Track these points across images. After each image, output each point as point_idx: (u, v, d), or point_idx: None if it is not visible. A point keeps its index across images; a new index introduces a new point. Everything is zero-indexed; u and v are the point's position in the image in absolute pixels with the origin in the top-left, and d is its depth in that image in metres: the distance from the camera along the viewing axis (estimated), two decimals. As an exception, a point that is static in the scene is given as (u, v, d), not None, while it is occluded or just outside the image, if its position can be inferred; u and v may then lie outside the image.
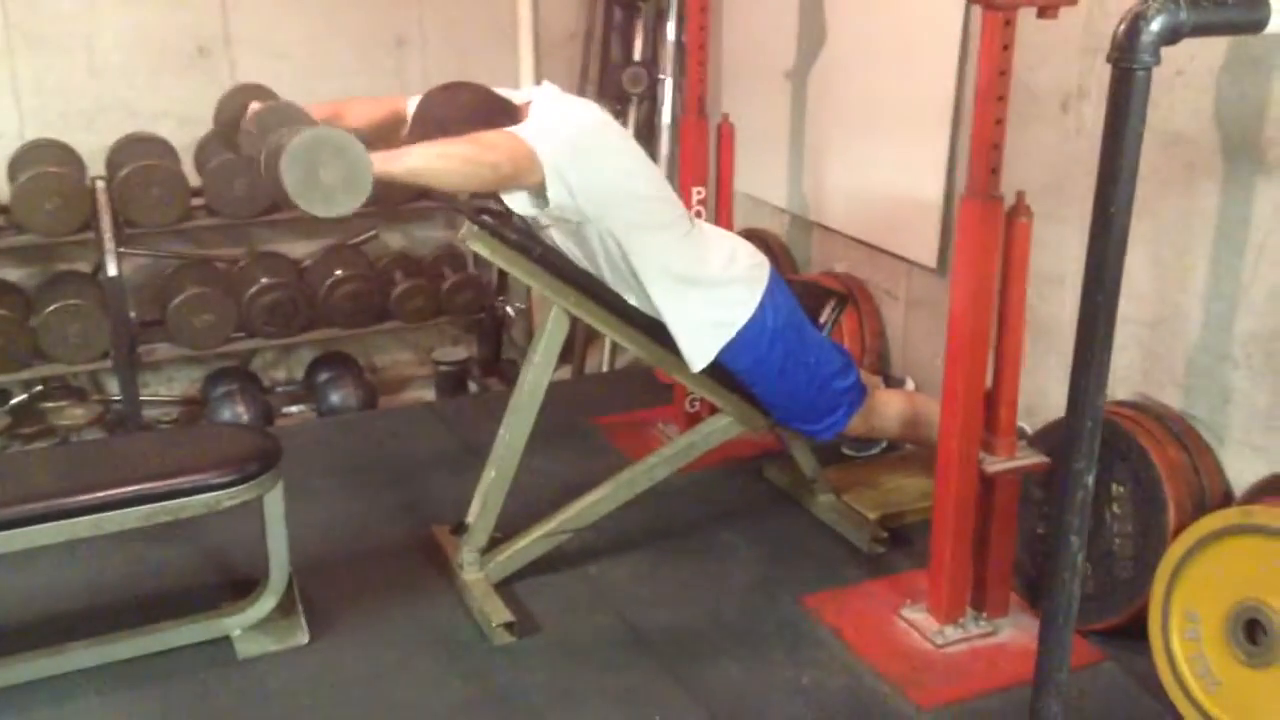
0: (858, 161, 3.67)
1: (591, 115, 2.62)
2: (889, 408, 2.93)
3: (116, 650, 2.55)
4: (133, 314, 3.86)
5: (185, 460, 2.46)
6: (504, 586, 2.80)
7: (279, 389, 4.31)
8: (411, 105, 2.66)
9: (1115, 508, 2.51)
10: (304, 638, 2.64)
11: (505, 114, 2.52)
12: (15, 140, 3.81)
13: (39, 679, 2.48)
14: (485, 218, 2.58)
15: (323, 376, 4.21)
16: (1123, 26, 1.26)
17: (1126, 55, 1.26)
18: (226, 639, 2.62)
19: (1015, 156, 2.53)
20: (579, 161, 2.43)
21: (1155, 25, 1.25)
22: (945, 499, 2.53)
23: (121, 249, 3.73)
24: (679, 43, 4.35)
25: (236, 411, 3.97)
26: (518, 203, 2.46)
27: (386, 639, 2.65)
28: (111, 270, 3.69)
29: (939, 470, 2.54)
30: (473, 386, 4.39)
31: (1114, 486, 2.51)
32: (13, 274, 3.90)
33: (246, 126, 2.50)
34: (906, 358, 3.62)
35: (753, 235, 4.22)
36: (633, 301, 2.67)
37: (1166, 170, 2.55)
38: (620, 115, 4.49)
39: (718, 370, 2.76)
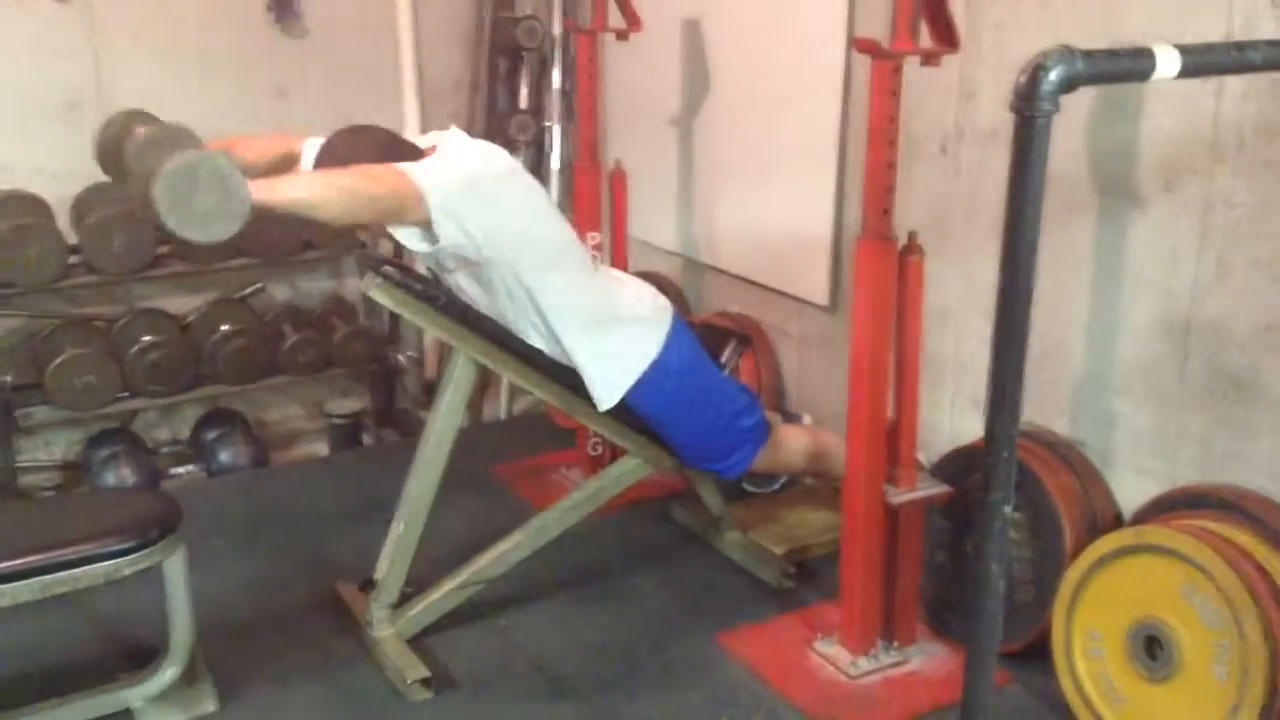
0: (747, 204, 3.75)
1: (495, 157, 2.65)
2: (793, 443, 2.99)
3: (8, 732, 2.42)
4: (7, 377, 3.69)
5: (81, 528, 2.36)
6: (415, 642, 2.76)
7: (164, 449, 4.16)
8: (306, 146, 2.64)
9: (1013, 533, 2.60)
10: (212, 705, 2.55)
11: (409, 156, 2.52)
12: (-126, 199, 3.64)
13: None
14: (388, 268, 2.56)
15: (210, 435, 4.08)
16: (1024, 77, 1.33)
17: (1028, 104, 1.33)
18: (128, 712, 2.52)
19: (900, 197, 2.63)
20: (477, 200, 2.45)
21: (1054, 75, 1.32)
22: (853, 532, 2.59)
23: (-8, 309, 3.59)
24: (564, 90, 4.40)
25: (121, 475, 3.82)
26: (410, 239, 2.45)
27: (299, 702, 2.59)
28: (-16, 332, 3.54)
29: (845, 504, 2.60)
30: (367, 438, 4.32)
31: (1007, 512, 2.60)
32: None
33: (134, 150, 2.41)
34: (803, 394, 3.70)
35: (647, 278, 4.25)
36: (538, 344, 2.68)
37: (1047, 208, 2.67)
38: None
39: (624, 412, 2.78)
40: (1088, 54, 1.34)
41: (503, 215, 2.50)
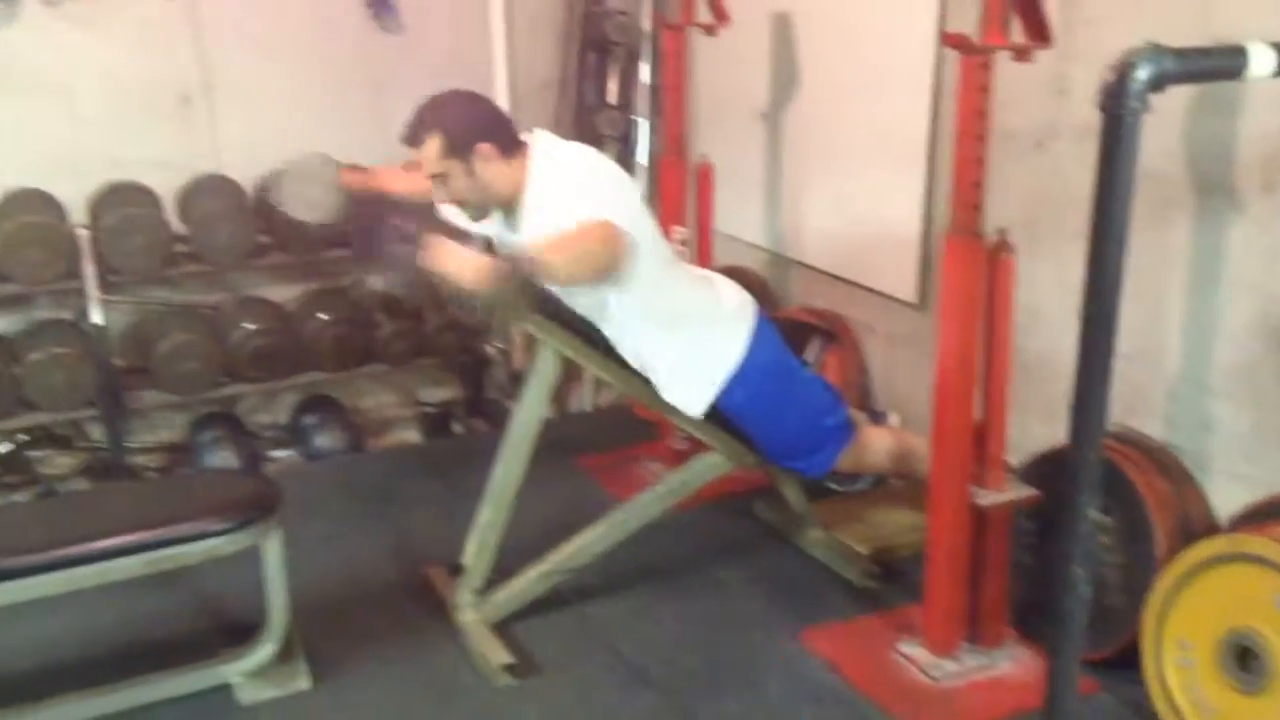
0: (835, 199, 3.73)
1: (605, 167, 2.63)
2: (878, 443, 2.97)
3: (115, 701, 2.54)
4: (117, 361, 3.85)
5: (185, 508, 2.46)
6: (501, 627, 2.81)
7: (265, 433, 4.30)
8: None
9: (1103, 538, 2.56)
10: (305, 683, 2.64)
11: (513, 145, 2.57)
12: (-3, 189, 3.81)
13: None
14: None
15: (309, 420, 4.21)
16: (1112, 75, 1.31)
17: (1116, 102, 1.31)
18: (226, 686, 2.62)
19: (990, 194, 2.60)
20: (644, 237, 2.52)
21: (1143, 74, 1.30)
22: (938, 533, 2.57)
23: (105, 296, 3.73)
24: (653, 85, 4.42)
25: (224, 457, 3.96)
26: None
27: (388, 683, 2.66)
28: (95, 318, 3.70)
29: (931, 505, 2.58)
30: (457, 427, 4.41)
31: (1101, 517, 2.56)
32: (-8, 324, 3.89)
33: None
34: (889, 392, 3.67)
35: (732, 273, 4.26)
36: (624, 348, 2.69)
37: (1141, 206, 2.62)
38: (598, 157, 4.55)
39: (711, 408, 2.79)
40: (1178, 52, 1.32)
41: (644, 251, 2.52)
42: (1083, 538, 1.46)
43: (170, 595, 3.00)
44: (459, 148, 2.49)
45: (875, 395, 3.74)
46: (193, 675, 2.61)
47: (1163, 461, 2.57)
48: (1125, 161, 1.32)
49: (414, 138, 2.52)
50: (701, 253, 3.66)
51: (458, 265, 2.26)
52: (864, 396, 3.76)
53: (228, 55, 4.11)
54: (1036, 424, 3.06)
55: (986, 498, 2.53)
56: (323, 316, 4.07)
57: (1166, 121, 2.53)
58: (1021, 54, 2.30)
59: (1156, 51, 1.31)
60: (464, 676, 2.67)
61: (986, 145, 2.35)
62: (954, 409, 2.47)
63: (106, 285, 3.75)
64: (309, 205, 2.43)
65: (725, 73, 4.19)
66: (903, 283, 3.48)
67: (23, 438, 3.92)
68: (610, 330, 2.69)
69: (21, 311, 3.95)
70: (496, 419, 4.32)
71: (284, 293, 4.28)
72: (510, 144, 2.56)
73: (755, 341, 2.76)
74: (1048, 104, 2.86)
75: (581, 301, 2.65)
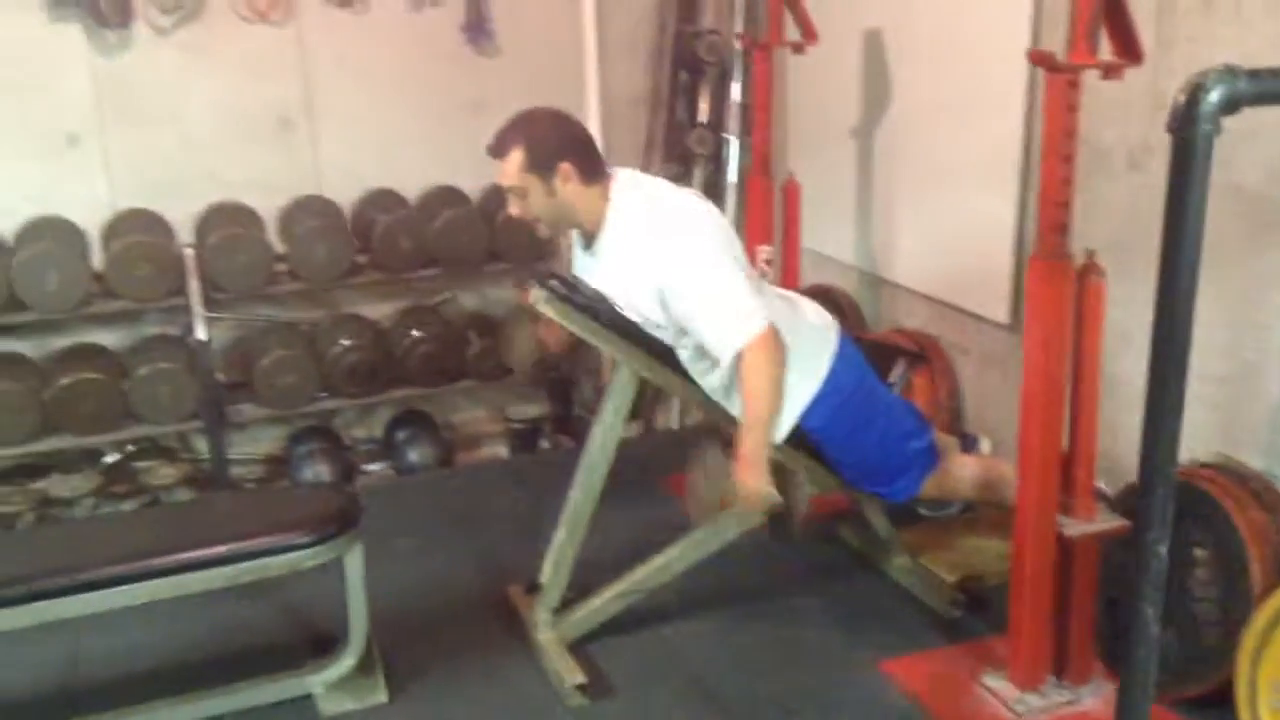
0: (926, 217, 3.67)
1: (698, 213, 2.58)
2: (963, 471, 2.89)
3: (203, 708, 2.61)
4: (220, 376, 3.98)
5: (268, 521, 2.53)
6: (578, 647, 2.82)
7: (359, 447, 4.40)
8: None
9: (1197, 572, 2.45)
10: (383, 697, 2.68)
11: (595, 171, 2.58)
12: (107, 210, 3.98)
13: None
14: (554, 282, 2.63)
15: (401, 434, 4.29)
16: (1182, 97, 1.26)
17: (1186, 125, 1.26)
18: (309, 696, 2.67)
19: (1083, 213, 2.52)
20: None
21: (1214, 96, 1.25)
22: (1023, 563, 2.50)
23: (209, 313, 3.87)
24: (744, 104, 4.41)
25: (318, 470, 4.07)
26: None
27: (463, 699, 2.69)
28: (200, 334, 3.83)
29: (1016, 534, 2.51)
30: (545, 443, 4.44)
31: (1195, 550, 2.45)
32: (106, 338, 4.05)
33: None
34: (981, 415, 3.58)
35: (821, 292, 4.23)
36: (702, 374, 2.68)
37: (1237, 226, 2.52)
38: (685, 176, 4.55)
39: (792, 431, 2.76)
40: (1253, 73, 1.26)
41: None
42: (1153, 575, 1.40)
43: (263, 605, 3.08)
44: (541, 164, 2.51)
45: (967, 418, 3.66)
46: (277, 685, 2.67)
47: (1261, 492, 2.45)
48: (1196, 187, 1.27)
49: (499, 148, 2.55)
50: (788, 271, 3.63)
51: (754, 495, 2.45)
52: (956, 420, 3.68)
53: (329, 80, 4.24)
54: (1133, 451, 2.96)
55: (1073, 528, 2.45)
56: (415, 333, 4.15)
57: (1264, 139, 2.43)
58: (1111, 72, 2.23)
59: (1229, 72, 1.26)
60: (538, 695, 2.68)
61: (1074, 166, 2.28)
62: (1040, 436, 2.40)
63: (211, 302, 3.88)
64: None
65: (818, 91, 4.15)
66: (995, 303, 3.40)
67: (131, 449, 4.08)
68: (687, 354, 2.68)
69: (132, 327, 4.12)
70: (583, 435, 4.33)
71: (380, 310, 4.38)
72: (593, 169, 2.57)
73: (838, 364, 2.72)
74: (1143, 121, 2.77)
75: (662, 331, 2.65)
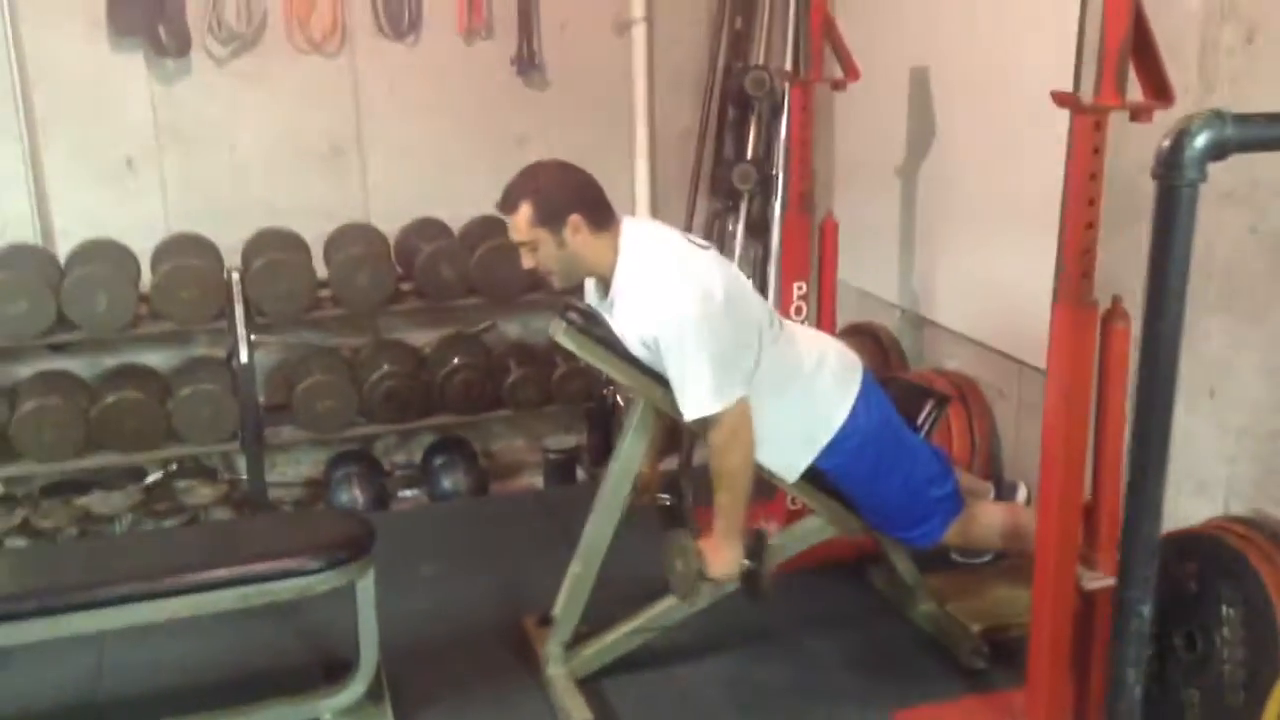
0: (969, 257, 3.60)
1: (708, 286, 2.51)
2: (989, 518, 2.83)
3: (213, 729, 2.63)
4: (261, 399, 4.04)
5: (281, 545, 2.55)
6: (591, 682, 2.80)
7: (398, 472, 4.43)
8: None
9: (1225, 631, 2.36)
10: (389, 724, 2.68)
11: (604, 218, 2.57)
12: (162, 234, 4.07)
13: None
14: (573, 315, 2.63)
15: (438, 461, 4.31)
16: (1166, 142, 1.22)
17: (1171, 172, 1.22)
18: (319, 720, 2.69)
19: (1124, 256, 2.46)
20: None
21: (1200, 141, 1.21)
22: (1041, 616, 2.43)
23: (253, 336, 3.93)
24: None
25: (354, 494, 4.10)
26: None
27: (468, 732, 2.68)
28: (243, 357, 3.89)
29: (1035, 586, 2.44)
30: (582, 474, 4.43)
31: (1223, 609, 2.36)
32: (154, 358, 4.14)
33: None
34: (1019, 460, 3.49)
35: (863, 330, 4.19)
36: None
37: (1277, 274, 2.44)
38: (731, 211, 4.53)
39: (810, 470, 2.72)
40: (1243, 118, 1.21)
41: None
42: (1133, 636, 1.34)
43: (285, 626, 3.11)
44: (550, 217, 2.52)
45: (1005, 464, 3.57)
46: (288, 708, 2.69)
47: (1295, 552, 2.35)
48: (1181, 234, 1.23)
49: (506, 205, 2.57)
50: (823, 310, 3.58)
51: (725, 567, 2.61)
52: (993, 464, 3.60)
53: (379, 109, 4.31)
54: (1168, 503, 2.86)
55: (1094, 581, 2.37)
56: (456, 361, 4.17)
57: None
58: (1139, 114, 2.18)
59: (1216, 117, 1.21)
60: (544, 731, 2.66)
61: (1099, 209, 2.22)
62: (1060, 484, 2.34)
63: (255, 326, 3.94)
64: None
65: (864, 127, 4.13)
66: (1037, 348, 3.29)
67: (173, 468, 4.15)
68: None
69: (180, 348, 4.21)
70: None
71: (422, 337, 4.41)
72: (601, 219, 2.57)
73: (859, 406, 2.68)
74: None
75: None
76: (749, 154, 4.50)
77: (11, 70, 3.86)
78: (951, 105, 3.60)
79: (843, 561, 3.35)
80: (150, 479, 4.12)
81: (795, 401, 2.63)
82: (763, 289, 4.39)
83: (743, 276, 2.69)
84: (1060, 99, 2.18)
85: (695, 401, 2.47)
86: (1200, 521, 2.64)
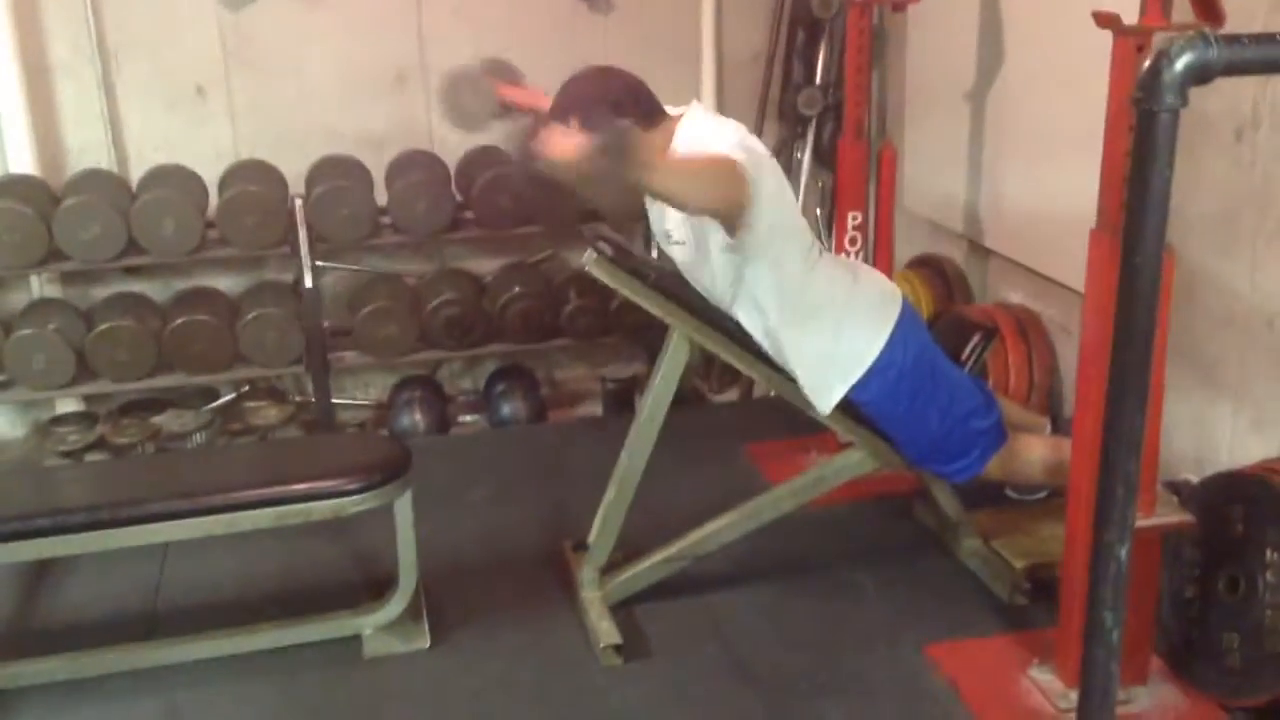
0: (1035, 187, 3.47)
1: (750, 141, 2.55)
2: (1031, 452, 2.76)
3: (260, 640, 2.74)
4: (326, 323, 4.13)
5: (315, 468, 2.61)
6: (624, 607, 2.83)
7: (460, 398, 4.50)
8: None
9: (1269, 575, 2.28)
10: (425, 643, 2.75)
11: (653, 114, 2.55)
12: (231, 159, 4.16)
13: (184, 662, 2.69)
14: (603, 243, 2.61)
15: (498, 388, 4.36)
16: (1145, 64, 1.15)
17: (1149, 96, 1.15)
18: (358, 636, 2.77)
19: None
20: (769, 196, 2.43)
21: (1180, 64, 1.13)
22: (1073, 553, 2.37)
23: (318, 263, 4.01)
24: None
25: (414, 418, 4.17)
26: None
27: (500, 650, 2.74)
28: (308, 282, 3.97)
29: (1068, 522, 2.38)
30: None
31: (1268, 552, 2.28)
32: (224, 283, 4.25)
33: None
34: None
35: (928, 262, 4.09)
36: (753, 331, 2.63)
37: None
38: (800, 137, 4.45)
39: (846, 405, 2.69)
40: (1230, 39, 1.14)
41: (767, 208, 2.44)
42: (1111, 580, 1.30)
43: (336, 545, 3.20)
44: (599, 125, 2.49)
45: (1066, 398, 3.48)
46: (331, 624, 2.78)
47: (1343, 497, 2.26)
48: (1160, 164, 1.16)
49: (554, 120, 2.55)
50: (880, 241, 3.51)
51: (560, 147, 2.19)
52: (1053, 400, 3.51)
53: (442, 36, 4.30)
54: (1226, 442, 2.78)
55: (1129, 522, 2.30)
56: (516, 289, 4.19)
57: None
58: (1187, 34, 2.06)
59: (1200, 38, 1.14)
60: (573, 652, 2.70)
61: (1140, 134, 2.12)
62: (1095, 419, 2.25)
63: (319, 252, 4.02)
64: (465, 115, 2.72)
65: (933, 52, 3.98)
66: (1099, 280, 3.20)
67: (246, 389, 4.29)
68: (741, 316, 2.63)
69: (251, 273, 4.32)
70: (679, 396, 4.31)
71: (484, 266, 4.45)
72: (650, 113, 2.54)
73: (896, 337, 2.62)
74: (1250, 90, 2.55)
75: (716, 282, 2.60)
76: (818, 79, 4.39)
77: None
78: (1021, 29, 3.45)
79: (892, 496, 3.31)
80: (223, 399, 4.26)
81: (829, 331, 2.59)
82: (830, 219, 4.31)
83: (790, 189, 2.63)
84: (1102, 19, 2.07)
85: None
86: (1253, 462, 2.54)
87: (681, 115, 2.60)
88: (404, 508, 2.67)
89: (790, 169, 4.50)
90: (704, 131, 2.53)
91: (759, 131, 4.52)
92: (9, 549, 2.43)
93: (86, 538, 2.41)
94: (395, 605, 2.75)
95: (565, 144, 2.20)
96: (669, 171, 2.29)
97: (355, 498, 2.56)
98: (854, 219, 3.43)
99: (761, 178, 2.41)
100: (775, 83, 4.53)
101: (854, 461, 2.86)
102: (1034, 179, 3.48)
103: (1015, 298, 3.69)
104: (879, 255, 3.51)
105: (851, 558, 3.09)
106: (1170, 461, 2.89)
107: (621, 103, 2.52)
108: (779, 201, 2.51)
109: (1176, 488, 2.57)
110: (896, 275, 4.09)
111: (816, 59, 4.41)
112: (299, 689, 2.62)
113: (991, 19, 3.54)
